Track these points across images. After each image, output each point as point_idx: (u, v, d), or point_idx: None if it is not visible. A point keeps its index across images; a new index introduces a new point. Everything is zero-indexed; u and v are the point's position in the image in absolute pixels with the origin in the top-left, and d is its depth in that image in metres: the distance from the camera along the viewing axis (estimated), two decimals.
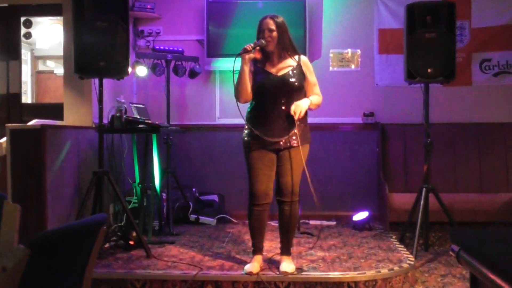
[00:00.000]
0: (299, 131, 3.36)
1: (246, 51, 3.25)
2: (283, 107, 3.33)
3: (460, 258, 2.12)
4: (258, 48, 3.31)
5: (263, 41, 3.31)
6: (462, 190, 5.18)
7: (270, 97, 3.34)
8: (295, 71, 3.37)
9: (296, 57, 3.43)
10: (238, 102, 3.38)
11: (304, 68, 3.42)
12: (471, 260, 2.00)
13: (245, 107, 3.48)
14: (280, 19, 3.37)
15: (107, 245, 4.13)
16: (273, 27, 3.32)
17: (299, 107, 3.30)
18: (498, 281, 1.71)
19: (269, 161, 3.40)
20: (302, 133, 3.39)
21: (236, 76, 3.33)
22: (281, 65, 3.39)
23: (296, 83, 3.35)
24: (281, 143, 3.37)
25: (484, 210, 4.79)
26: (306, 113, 3.44)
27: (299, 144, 3.34)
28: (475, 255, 1.99)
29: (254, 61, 3.41)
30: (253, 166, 3.41)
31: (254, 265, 3.45)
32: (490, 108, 5.44)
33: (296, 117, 3.29)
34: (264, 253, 3.70)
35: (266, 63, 3.40)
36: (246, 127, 3.45)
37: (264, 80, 3.35)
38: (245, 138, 3.45)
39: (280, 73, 3.37)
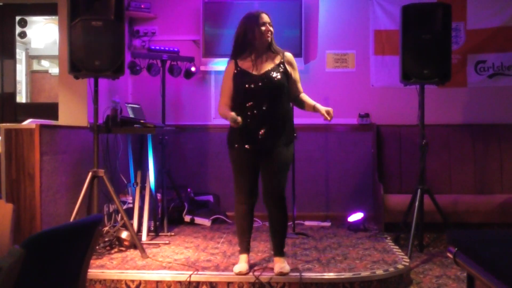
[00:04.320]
0: (283, 131, 3.35)
1: (238, 124, 3.17)
2: (265, 105, 3.28)
3: (458, 259, 2.12)
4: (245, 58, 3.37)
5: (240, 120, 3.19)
6: (457, 191, 5.18)
7: (252, 96, 3.30)
8: (278, 68, 3.36)
9: (280, 54, 3.43)
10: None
11: (288, 65, 3.41)
12: (469, 261, 2.00)
13: None
14: None
15: (101, 245, 4.11)
16: (270, 21, 3.37)
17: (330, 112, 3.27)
18: (497, 282, 1.71)
19: (253, 161, 3.38)
20: (286, 133, 3.38)
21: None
22: (265, 62, 3.38)
23: (279, 79, 3.32)
24: (265, 144, 3.33)
25: (479, 211, 4.79)
26: (292, 113, 3.44)
27: (281, 144, 3.34)
28: (473, 256, 1.98)
29: (235, 64, 3.39)
30: (237, 166, 3.40)
31: (242, 265, 3.44)
32: (485, 110, 5.45)
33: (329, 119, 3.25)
34: (259, 254, 3.68)
35: (249, 64, 3.37)
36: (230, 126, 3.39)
37: (246, 80, 3.32)
38: (229, 138, 3.44)
39: (263, 71, 3.35)
